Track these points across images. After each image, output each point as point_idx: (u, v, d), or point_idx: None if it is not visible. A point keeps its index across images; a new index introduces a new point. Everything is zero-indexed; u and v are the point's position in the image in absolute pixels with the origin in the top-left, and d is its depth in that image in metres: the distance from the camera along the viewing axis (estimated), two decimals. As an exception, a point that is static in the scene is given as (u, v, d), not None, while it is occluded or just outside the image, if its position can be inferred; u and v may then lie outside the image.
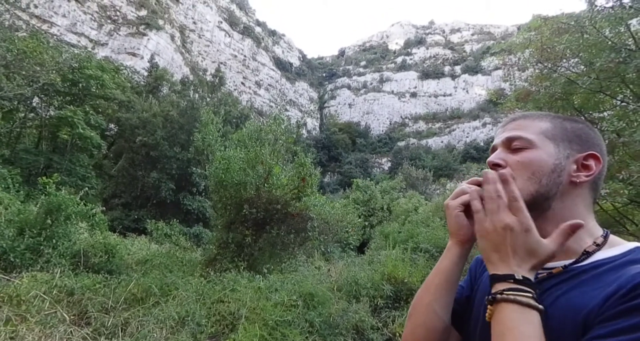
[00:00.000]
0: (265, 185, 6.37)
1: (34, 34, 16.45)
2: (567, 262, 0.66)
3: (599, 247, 0.66)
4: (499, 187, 0.64)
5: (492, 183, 0.65)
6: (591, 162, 0.70)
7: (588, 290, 0.60)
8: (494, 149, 0.78)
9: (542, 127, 0.74)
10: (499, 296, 0.59)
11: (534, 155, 0.71)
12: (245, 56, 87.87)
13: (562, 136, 0.72)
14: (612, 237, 0.69)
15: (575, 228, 0.61)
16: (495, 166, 0.74)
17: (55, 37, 40.54)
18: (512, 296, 0.58)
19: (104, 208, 7.55)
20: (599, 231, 0.70)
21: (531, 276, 0.60)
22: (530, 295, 0.58)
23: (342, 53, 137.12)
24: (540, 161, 0.70)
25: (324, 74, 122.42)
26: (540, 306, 0.57)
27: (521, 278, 0.59)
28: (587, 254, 0.66)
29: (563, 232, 0.61)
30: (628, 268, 0.58)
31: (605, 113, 6.54)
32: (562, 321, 0.59)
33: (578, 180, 0.69)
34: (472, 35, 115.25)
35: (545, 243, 0.61)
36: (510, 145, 0.74)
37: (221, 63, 76.19)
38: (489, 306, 0.61)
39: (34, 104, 17.07)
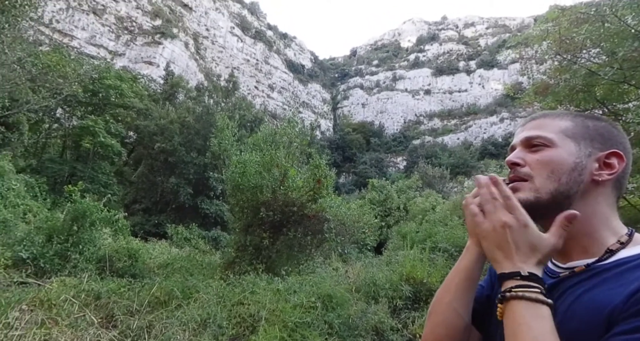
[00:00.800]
0: (281, 187, 6.42)
1: (57, 48, 17.19)
2: (590, 261, 0.66)
3: (623, 245, 0.65)
4: (493, 189, 0.66)
5: (485, 186, 0.67)
6: (614, 160, 0.69)
7: (611, 287, 0.59)
8: (513, 148, 0.78)
9: (562, 126, 0.73)
10: (507, 294, 0.60)
11: (554, 154, 0.70)
12: (257, 60, 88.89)
13: (583, 134, 0.72)
14: (637, 235, 0.68)
15: (570, 218, 0.62)
16: (514, 165, 0.74)
17: (75, 49, 42.08)
18: (520, 293, 0.58)
19: (126, 213, 7.78)
20: (623, 229, 0.69)
21: (538, 272, 0.61)
22: (538, 290, 0.58)
23: (353, 53, 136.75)
24: (560, 159, 0.70)
25: (336, 75, 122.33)
26: (549, 301, 0.58)
27: (527, 274, 0.60)
28: (610, 252, 0.65)
29: (559, 223, 0.63)
30: None
31: (630, 104, 6.29)
32: (585, 318, 0.58)
33: (600, 179, 0.68)
34: (487, 28, 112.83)
35: (545, 237, 0.62)
36: (530, 144, 0.74)
37: (234, 68, 77.34)
38: (499, 305, 0.62)
39: (58, 115, 17.79)
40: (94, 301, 3.85)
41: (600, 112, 6.49)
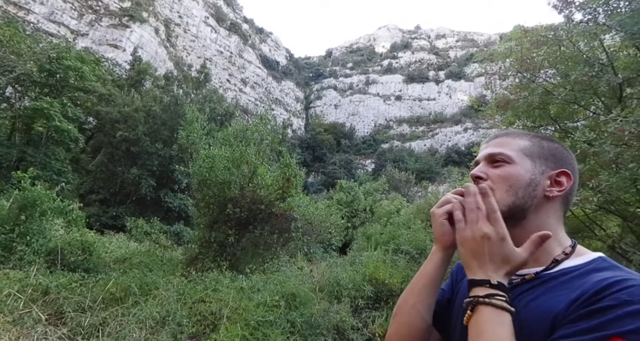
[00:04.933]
0: (250, 184, 6.35)
1: (10, 21, 15.75)
2: (538, 269, 0.73)
3: (567, 255, 0.73)
4: (479, 199, 0.70)
5: (473, 196, 0.71)
6: (563, 179, 0.77)
7: (556, 295, 0.66)
8: (477, 163, 0.84)
9: (521, 145, 0.80)
10: (475, 299, 0.65)
11: (513, 170, 0.77)
12: (231, 53, 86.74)
13: (538, 154, 0.79)
14: (579, 247, 0.75)
15: (544, 239, 0.67)
16: (477, 179, 0.80)
17: (32, 25, 38.89)
18: (487, 300, 0.63)
19: (81, 204, 7.32)
20: (568, 241, 0.76)
21: (505, 282, 0.66)
22: (504, 298, 0.63)
23: (329, 54, 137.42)
24: (517, 175, 0.76)
25: (311, 74, 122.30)
26: (512, 309, 0.63)
27: (496, 283, 0.65)
28: (556, 262, 0.72)
29: (533, 241, 0.67)
30: (591, 275, 0.65)
31: (579, 124, 6.85)
32: (532, 323, 0.64)
33: (551, 195, 0.75)
34: (457, 41, 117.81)
35: (518, 251, 0.67)
36: (492, 159, 0.81)
37: (207, 59, 74.94)
38: (468, 312, 0.66)
39: (8, 94, 16.32)
40: (41, 296, 3.60)
41: (553, 129, 7.02)
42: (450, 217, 0.78)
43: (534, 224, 0.75)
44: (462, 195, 0.78)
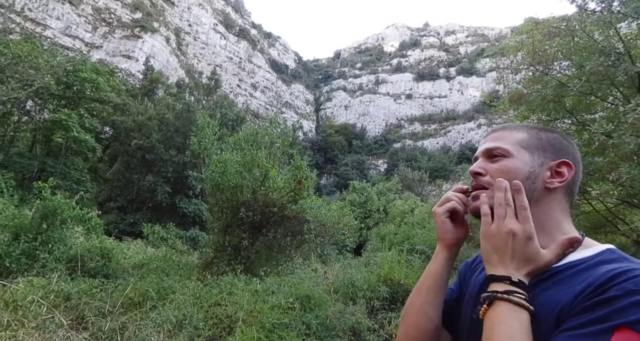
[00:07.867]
0: (262, 188, 6.39)
1: (29, 37, 16.36)
2: None
3: (573, 248, 0.71)
4: (509, 195, 0.68)
5: (503, 191, 0.69)
6: (564, 169, 0.75)
7: (563, 288, 0.64)
8: (476, 159, 0.83)
9: (518, 138, 0.79)
10: (493, 294, 0.63)
11: (510, 164, 0.76)
12: (240, 58, 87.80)
13: (536, 145, 0.77)
14: (587, 239, 0.73)
15: (573, 242, 0.67)
16: (476, 175, 0.79)
17: (49, 39, 40.23)
18: (506, 296, 0.62)
19: (100, 212, 7.51)
20: (575, 233, 0.74)
21: (526, 281, 0.65)
22: (523, 296, 0.62)
23: (337, 55, 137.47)
24: (515, 169, 0.75)
25: (320, 76, 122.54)
26: (531, 308, 0.61)
27: (517, 280, 0.64)
28: (563, 255, 0.70)
29: (561, 244, 0.67)
30: (599, 267, 0.63)
31: (596, 115, 6.65)
32: (540, 316, 0.63)
33: (552, 186, 0.74)
34: (467, 37, 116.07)
35: (544, 252, 0.66)
36: (490, 154, 0.79)
37: (217, 65, 76.10)
38: (483, 306, 0.64)
39: (28, 108, 16.96)
40: (63, 302, 3.71)
41: (569, 122, 6.83)
42: (452, 215, 0.78)
43: (537, 217, 0.73)
44: (463, 192, 0.77)
